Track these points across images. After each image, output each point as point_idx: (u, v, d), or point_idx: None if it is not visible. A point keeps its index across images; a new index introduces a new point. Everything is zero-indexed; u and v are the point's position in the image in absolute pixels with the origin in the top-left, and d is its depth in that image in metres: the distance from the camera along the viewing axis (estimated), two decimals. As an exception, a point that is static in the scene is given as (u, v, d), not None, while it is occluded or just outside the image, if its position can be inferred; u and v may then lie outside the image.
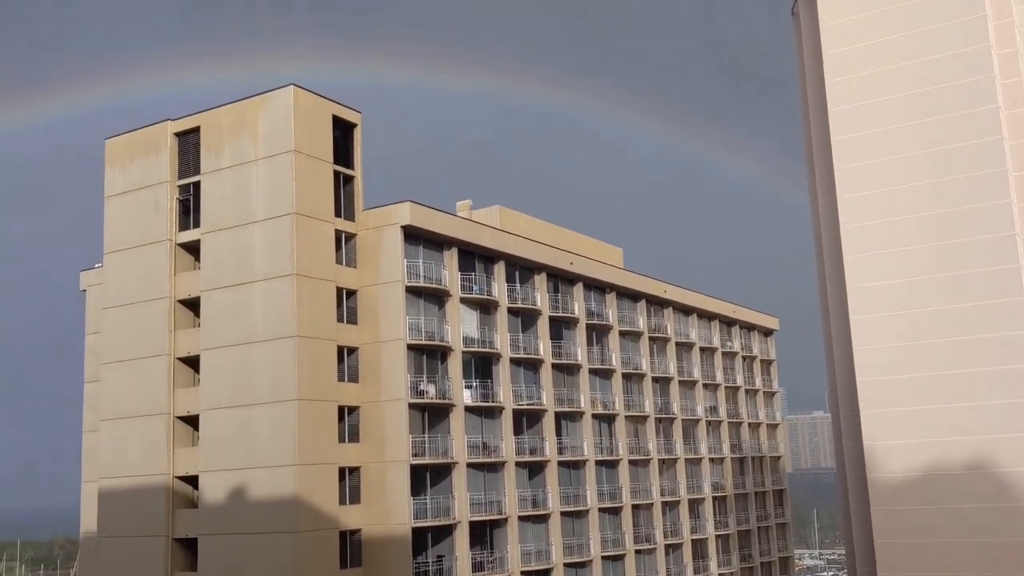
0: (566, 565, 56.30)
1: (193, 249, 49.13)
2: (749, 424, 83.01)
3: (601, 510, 60.77)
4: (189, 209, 49.45)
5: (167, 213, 49.41)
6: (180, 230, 49.39)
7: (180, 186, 49.71)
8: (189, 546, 46.92)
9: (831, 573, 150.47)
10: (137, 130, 51.51)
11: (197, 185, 49.08)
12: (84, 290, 58.13)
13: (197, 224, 48.79)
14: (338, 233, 48.07)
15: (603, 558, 59.86)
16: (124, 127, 52.33)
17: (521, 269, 57.26)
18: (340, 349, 47.00)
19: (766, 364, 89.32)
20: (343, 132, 49.49)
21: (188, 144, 49.95)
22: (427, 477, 47.99)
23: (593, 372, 62.61)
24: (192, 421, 47.87)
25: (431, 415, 49.02)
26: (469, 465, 50.13)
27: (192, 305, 48.75)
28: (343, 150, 49.28)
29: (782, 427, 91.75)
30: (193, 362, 48.25)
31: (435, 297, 50.25)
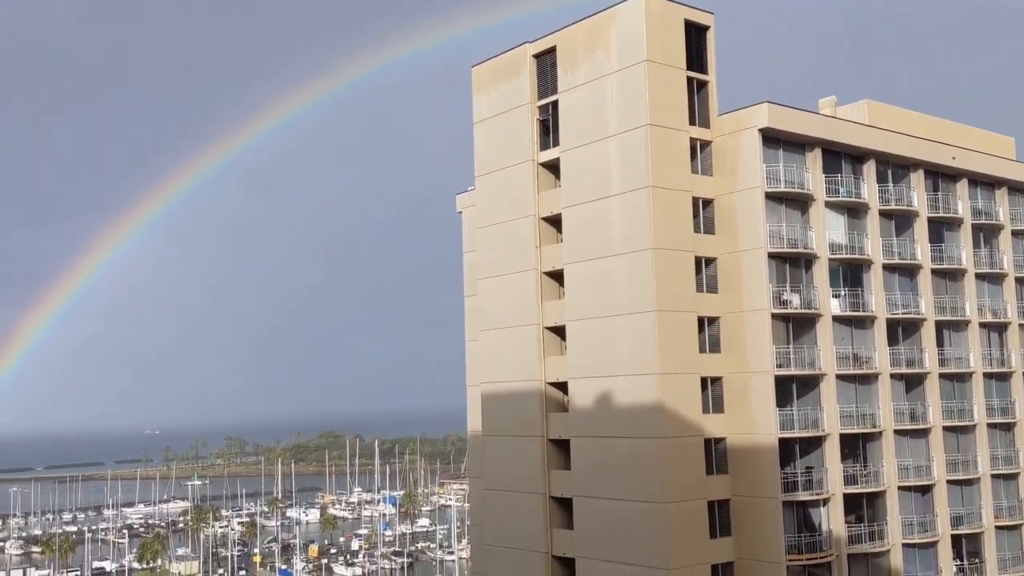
0: (949, 482, 52.55)
1: (554, 167, 50.87)
2: None
3: (990, 426, 55.79)
4: (549, 128, 51.15)
5: (529, 134, 51.49)
6: (541, 149, 51.31)
7: (540, 106, 51.44)
8: (562, 446, 49.82)
9: None
10: (499, 56, 53.79)
11: (555, 104, 50.49)
12: (460, 212, 62.58)
13: (556, 143, 50.34)
14: (692, 141, 47.27)
15: (993, 476, 55.09)
16: (488, 53, 54.85)
17: (894, 167, 52.92)
18: (698, 260, 46.63)
19: None
20: (695, 36, 48.12)
21: (546, 64, 51.33)
22: (793, 388, 46.73)
23: (980, 277, 56.91)
24: (559, 331, 50.29)
25: (795, 325, 47.40)
26: (838, 377, 48.07)
27: (555, 222, 50.71)
28: (696, 55, 47.94)
29: None
30: (558, 276, 50.42)
31: (797, 202, 48.03)
